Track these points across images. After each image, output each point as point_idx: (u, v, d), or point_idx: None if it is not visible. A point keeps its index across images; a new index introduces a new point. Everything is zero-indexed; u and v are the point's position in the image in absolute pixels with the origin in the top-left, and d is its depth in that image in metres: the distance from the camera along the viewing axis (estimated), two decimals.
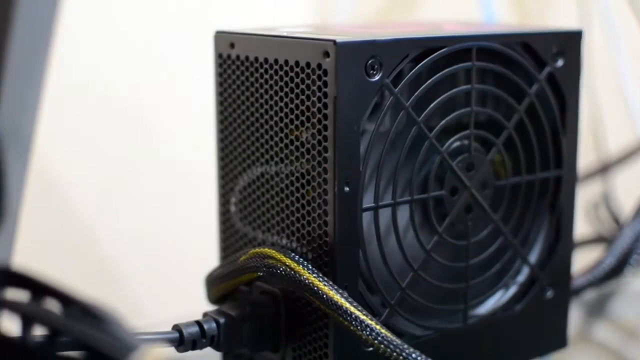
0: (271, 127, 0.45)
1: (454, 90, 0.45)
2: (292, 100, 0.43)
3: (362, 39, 0.42)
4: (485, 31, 0.46)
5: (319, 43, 0.41)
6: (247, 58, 0.46)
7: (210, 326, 0.44)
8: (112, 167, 0.73)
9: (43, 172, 0.69)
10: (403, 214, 0.45)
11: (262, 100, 0.45)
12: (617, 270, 0.56)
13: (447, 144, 0.45)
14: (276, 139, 0.44)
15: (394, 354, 0.41)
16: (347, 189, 0.42)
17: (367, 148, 0.42)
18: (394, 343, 0.41)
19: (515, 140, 0.48)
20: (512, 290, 0.50)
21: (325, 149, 0.42)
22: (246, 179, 0.47)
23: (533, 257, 0.50)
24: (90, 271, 0.72)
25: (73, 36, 0.67)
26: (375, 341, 0.41)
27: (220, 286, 0.46)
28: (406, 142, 0.44)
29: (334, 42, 0.41)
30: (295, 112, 0.43)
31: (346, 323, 0.41)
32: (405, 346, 0.41)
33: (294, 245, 0.44)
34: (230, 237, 0.49)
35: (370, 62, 0.42)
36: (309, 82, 0.42)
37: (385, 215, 0.44)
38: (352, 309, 0.41)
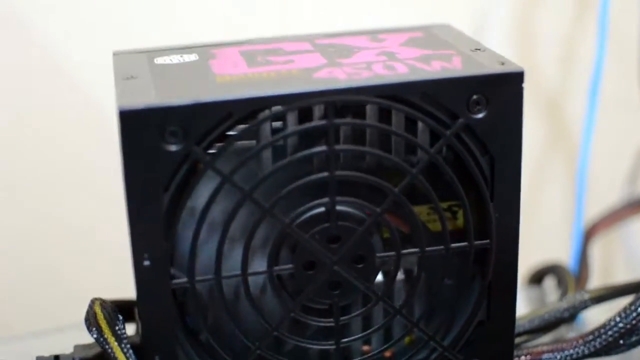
0: None
1: (301, 153, 0.38)
2: None
3: (150, 105, 0.36)
4: (353, 84, 0.37)
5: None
6: None
7: None
8: None
9: None
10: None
11: None
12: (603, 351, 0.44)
13: (296, 213, 0.39)
14: None
15: None
16: (147, 263, 0.38)
17: (176, 219, 0.38)
18: None
19: (406, 208, 0.39)
20: None
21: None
22: None
23: (451, 335, 0.42)
24: None
25: None
26: None
27: None
28: (231, 213, 0.38)
29: (118, 110, 0.36)
30: None
31: None
32: None
33: None
34: None
35: (166, 129, 0.36)
36: None
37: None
38: None
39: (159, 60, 0.41)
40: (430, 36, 0.44)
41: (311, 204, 0.39)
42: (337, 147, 0.38)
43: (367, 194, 0.39)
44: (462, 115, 0.38)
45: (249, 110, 0.37)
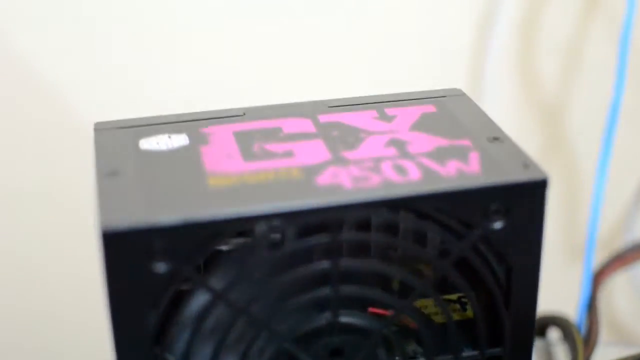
0: None
1: (303, 269, 0.34)
2: None
3: (136, 226, 0.32)
4: (360, 197, 0.34)
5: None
6: None
7: None
8: None
9: None
10: None
11: None
12: None
13: (296, 327, 0.36)
14: None
15: None
16: None
17: (164, 334, 0.35)
18: None
19: (416, 319, 0.36)
20: None
21: None
22: None
23: None
24: None
25: None
26: None
27: None
28: (225, 328, 0.35)
29: (101, 229, 0.32)
30: None
31: None
32: None
33: None
34: None
35: (154, 250, 0.33)
36: None
37: None
38: None
39: (145, 145, 0.38)
40: (443, 113, 0.40)
41: (312, 319, 0.36)
42: (342, 263, 0.35)
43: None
44: (478, 226, 0.35)
45: (243, 227, 0.33)
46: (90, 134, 0.43)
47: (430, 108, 0.40)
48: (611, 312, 0.68)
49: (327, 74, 0.61)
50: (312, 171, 0.35)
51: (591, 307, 0.53)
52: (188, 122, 0.39)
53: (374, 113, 0.40)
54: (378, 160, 0.36)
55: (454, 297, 0.38)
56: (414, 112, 0.40)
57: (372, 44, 0.62)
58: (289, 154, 0.37)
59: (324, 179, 0.35)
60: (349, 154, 0.37)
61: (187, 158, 0.37)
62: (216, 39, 0.60)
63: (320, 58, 0.61)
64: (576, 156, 0.68)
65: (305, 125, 0.39)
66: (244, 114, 0.40)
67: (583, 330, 0.52)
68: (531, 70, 0.66)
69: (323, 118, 0.39)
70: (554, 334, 0.53)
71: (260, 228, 0.34)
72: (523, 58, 0.65)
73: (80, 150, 0.59)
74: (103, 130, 0.39)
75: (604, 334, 0.55)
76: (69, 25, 0.58)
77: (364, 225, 0.35)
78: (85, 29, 0.58)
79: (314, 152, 0.37)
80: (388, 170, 0.35)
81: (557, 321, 0.52)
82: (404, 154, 0.36)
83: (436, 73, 0.64)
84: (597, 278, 0.55)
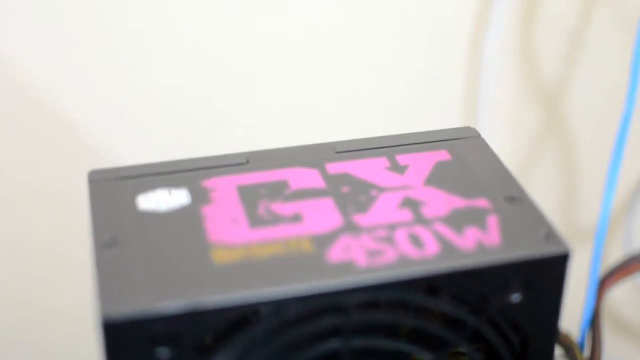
0: None
1: (314, 349, 0.33)
2: None
3: (139, 314, 0.31)
4: (374, 279, 0.32)
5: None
6: None
7: None
8: None
9: None
10: None
11: None
12: None
13: None
14: None
15: None
16: None
17: None
18: None
19: None
20: None
21: None
22: None
23: None
24: None
25: None
26: None
27: None
28: None
29: (102, 318, 0.31)
30: None
31: None
32: None
33: None
34: None
35: (157, 338, 0.31)
36: None
37: None
38: None
39: (144, 204, 0.35)
40: (457, 162, 0.38)
41: None
42: (354, 342, 0.33)
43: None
44: (495, 300, 0.33)
45: (250, 311, 0.32)
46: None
47: (444, 155, 0.38)
48: (614, 319, 0.67)
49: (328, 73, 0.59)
50: (322, 242, 0.33)
51: (594, 323, 0.52)
52: (188, 172, 0.37)
53: (384, 162, 0.38)
54: (392, 228, 0.34)
55: (463, 349, 0.37)
56: (427, 160, 0.38)
57: (368, 22, 0.59)
58: (297, 218, 0.35)
59: (336, 253, 0.33)
60: (360, 218, 0.35)
61: (189, 223, 0.35)
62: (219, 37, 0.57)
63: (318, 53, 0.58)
64: (574, 141, 0.67)
65: (313, 177, 0.37)
66: (247, 161, 0.38)
67: (586, 349, 0.51)
68: (530, 49, 0.64)
69: (331, 168, 0.37)
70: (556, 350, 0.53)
71: (267, 309, 0.32)
72: (523, 38, 0.63)
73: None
74: (98, 183, 0.37)
75: (607, 343, 0.54)
76: (64, 27, 0.55)
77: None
78: (80, 30, 0.55)
79: (323, 215, 0.35)
80: (403, 242, 0.33)
81: (558, 339, 0.51)
82: (419, 219, 0.35)
83: (435, 56, 0.61)
84: (599, 289, 0.54)
